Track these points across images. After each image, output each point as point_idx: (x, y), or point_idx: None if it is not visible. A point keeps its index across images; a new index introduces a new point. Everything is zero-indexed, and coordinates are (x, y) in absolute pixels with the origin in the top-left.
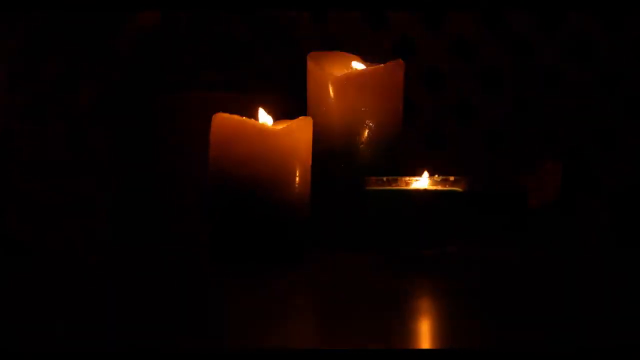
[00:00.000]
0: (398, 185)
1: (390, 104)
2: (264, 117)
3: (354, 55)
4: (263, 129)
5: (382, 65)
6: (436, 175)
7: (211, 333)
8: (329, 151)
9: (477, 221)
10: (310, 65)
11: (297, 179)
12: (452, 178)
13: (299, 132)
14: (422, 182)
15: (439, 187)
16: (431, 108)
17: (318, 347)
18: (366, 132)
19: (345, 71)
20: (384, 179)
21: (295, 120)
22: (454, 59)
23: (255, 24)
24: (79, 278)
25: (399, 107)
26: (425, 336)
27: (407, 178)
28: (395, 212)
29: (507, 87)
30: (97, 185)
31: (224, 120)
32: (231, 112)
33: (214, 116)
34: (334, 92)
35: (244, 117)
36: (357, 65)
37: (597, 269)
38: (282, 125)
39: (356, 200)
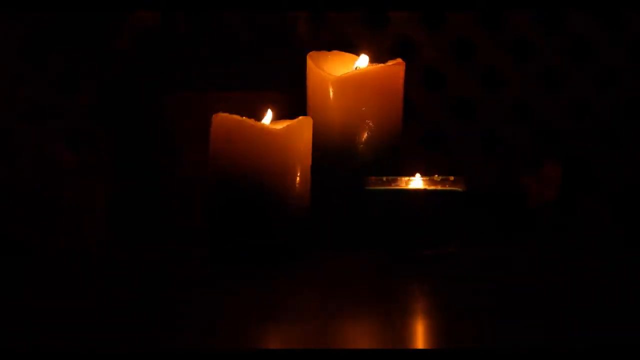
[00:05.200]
0: (398, 185)
1: (390, 104)
2: (269, 118)
3: (354, 55)
4: (263, 129)
5: (382, 65)
6: (436, 175)
7: (211, 333)
8: (329, 151)
9: (477, 221)
10: (310, 65)
11: (297, 178)
12: (452, 178)
13: (299, 132)
14: (416, 182)
15: (439, 187)
16: (431, 108)
17: (318, 347)
18: (366, 132)
19: (345, 71)
20: (384, 179)
21: (295, 120)
22: (454, 59)
23: (255, 23)
24: (78, 278)
25: (399, 107)
26: (425, 336)
27: (407, 178)
28: (395, 212)
29: (507, 87)
30: (96, 185)
31: (224, 120)
32: (231, 112)
33: (214, 116)
34: (333, 92)
35: (244, 117)
36: (361, 62)
37: (597, 268)
38: (282, 125)
39: (356, 200)
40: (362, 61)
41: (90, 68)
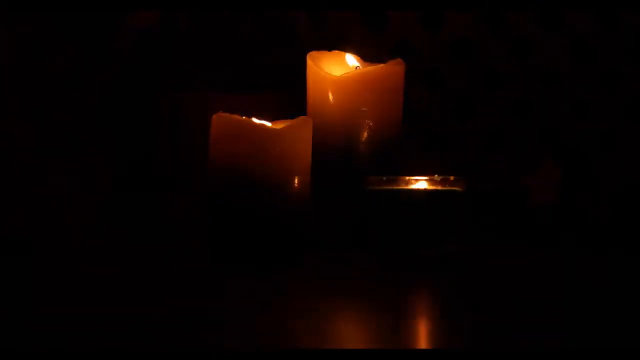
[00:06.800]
0: (398, 185)
1: (390, 104)
2: (352, 61)
3: (355, 55)
4: (263, 129)
5: (382, 65)
6: (436, 175)
7: (211, 333)
8: (329, 151)
9: (477, 221)
10: (310, 65)
11: (297, 178)
12: (452, 178)
13: (299, 132)
14: (416, 182)
15: (439, 187)
16: (431, 108)
17: (318, 347)
18: (366, 132)
19: (345, 71)
20: (384, 178)
21: (295, 120)
22: (454, 59)
23: (256, 23)
24: (78, 278)
25: (399, 107)
26: (424, 336)
27: (407, 178)
28: (395, 212)
29: (507, 86)
30: (96, 184)
31: (224, 120)
32: (231, 112)
33: (214, 116)
34: (333, 92)
35: (244, 117)
36: (353, 61)
37: (597, 269)
38: (282, 125)
39: (356, 200)
40: (351, 61)
41: (90, 68)
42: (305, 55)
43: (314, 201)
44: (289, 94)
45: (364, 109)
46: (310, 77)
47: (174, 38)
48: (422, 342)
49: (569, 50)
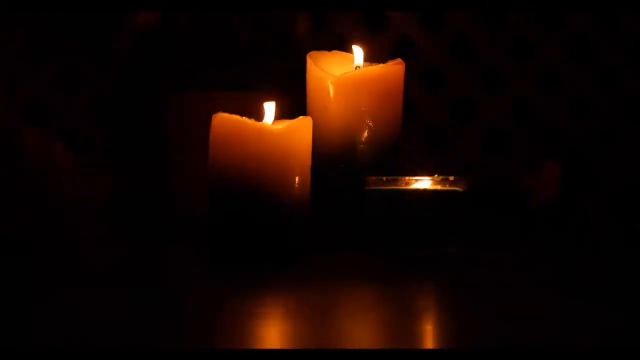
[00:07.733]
0: (398, 185)
1: (390, 104)
2: (269, 113)
3: (359, 47)
4: (263, 129)
5: (382, 65)
6: (436, 175)
7: (210, 333)
8: (329, 151)
9: (477, 221)
10: (310, 65)
11: (297, 179)
12: (452, 178)
13: (299, 132)
14: (416, 182)
15: (439, 187)
16: (431, 108)
17: (318, 347)
18: (366, 132)
19: (345, 71)
20: (384, 179)
21: (295, 120)
22: (454, 59)
23: (255, 23)
24: (78, 278)
25: (399, 107)
26: (425, 336)
27: (407, 178)
28: (395, 212)
29: (507, 87)
30: (96, 184)
31: (224, 120)
32: (231, 112)
33: (214, 116)
34: (333, 92)
35: (244, 117)
36: (358, 57)
37: (597, 268)
38: (282, 125)
39: (356, 200)
40: (357, 54)
41: (90, 68)
42: (305, 55)
43: (314, 201)
44: (289, 94)
45: (364, 109)
46: (310, 77)
47: (174, 38)
48: (422, 342)
49: (569, 50)
